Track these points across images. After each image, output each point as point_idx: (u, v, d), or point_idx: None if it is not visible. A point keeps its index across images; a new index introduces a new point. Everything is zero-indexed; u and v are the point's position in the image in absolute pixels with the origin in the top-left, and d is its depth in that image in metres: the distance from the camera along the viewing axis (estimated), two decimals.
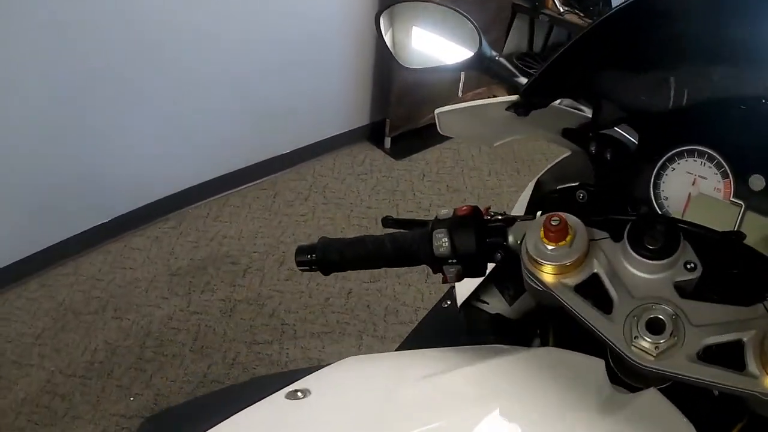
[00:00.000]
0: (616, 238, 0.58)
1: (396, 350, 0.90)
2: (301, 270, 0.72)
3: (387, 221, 0.80)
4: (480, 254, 0.65)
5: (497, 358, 0.59)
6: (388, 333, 2.21)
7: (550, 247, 0.57)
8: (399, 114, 3.14)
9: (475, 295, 0.85)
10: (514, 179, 3.12)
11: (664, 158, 0.75)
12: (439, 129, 0.78)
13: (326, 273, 0.73)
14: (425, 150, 3.22)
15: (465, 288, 0.85)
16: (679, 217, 0.74)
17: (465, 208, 0.68)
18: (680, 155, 0.75)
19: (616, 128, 0.81)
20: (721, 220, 0.71)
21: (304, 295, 2.33)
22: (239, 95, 2.65)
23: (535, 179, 0.91)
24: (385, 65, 3.05)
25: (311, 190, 2.88)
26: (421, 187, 2.97)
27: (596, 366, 0.56)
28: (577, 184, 0.80)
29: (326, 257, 0.71)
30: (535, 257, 0.57)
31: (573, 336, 0.61)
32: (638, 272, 0.56)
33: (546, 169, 0.93)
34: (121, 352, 2.08)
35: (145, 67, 2.29)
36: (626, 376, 0.59)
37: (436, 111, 0.76)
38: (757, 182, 0.69)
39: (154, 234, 2.57)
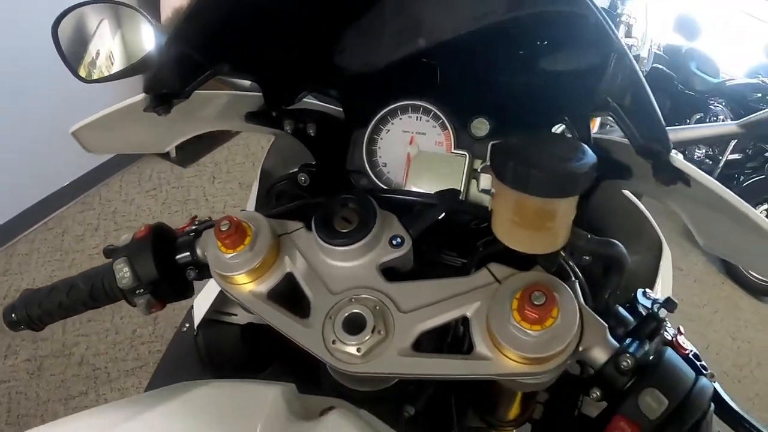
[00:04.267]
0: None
1: (145, 389, 0.78)
2: (14, 332, 0.66)
3: (107, 251, 0.70)
4: (167, 277, 0.59)
5: (162, 404, 0.48)
6: None
7: (228, 256, 0.51)
8: None
9: (219, 307, 0.76)
10: None
11: (374, 121, 0.67)
12: (84, 149, 0.65)
13: (37, 329, 0.66)
14: (213, 152, 3.33)
15: (206, 303, 0.77)
16: (402, 183, 0.67)
17: (143, 229, 0.61)
18: (393, 114, 0.67)
19: (315, 100, 0.73)
20: (447, 176, 0.64)
21: (110, 333, 2.49)
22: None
23: (260, 169, 0.83)
24: None
25: (100, 218, 2.92)
26: (213, 191, 3.12)
27: (272, 394, 0.47)
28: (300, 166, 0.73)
29: (29, 314, 0.64)
30: (217, 270, 0.52)
31: None
32: (336, 262, 0.51)
33: (265, 154, 0.83)
34: None
35: None
36: (349, 382, 0.53)
37: (71, 130, 0.63)
38: (479, 126, 0.63)
39: None
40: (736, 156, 3.52)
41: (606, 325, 0.49)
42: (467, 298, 0.47)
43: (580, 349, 0.47)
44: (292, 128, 0.68)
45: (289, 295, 0.52)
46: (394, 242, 0.51)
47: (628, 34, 3.17)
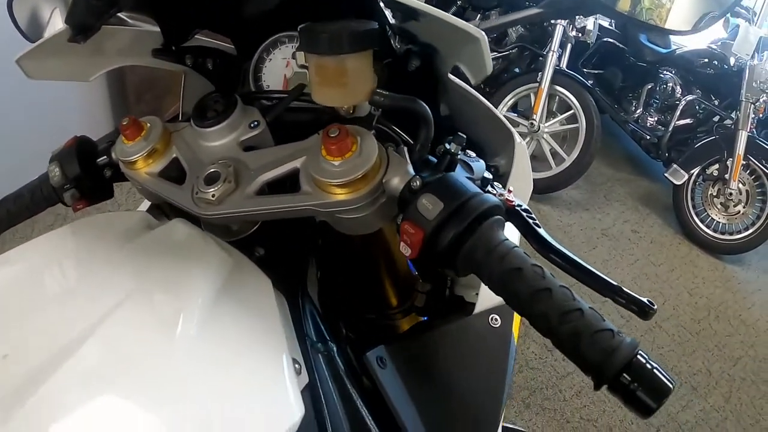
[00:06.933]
0: None
1: None
2: None
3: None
4: (90, 174, 0.70)
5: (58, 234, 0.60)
6: None
7: (128, 145, 0.64)
8: (142, 112, 3.22)
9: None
10: None
11: (257, 53, 0.78)
12: (28, 76, 0.73)
13: None
14: None
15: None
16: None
17: (71, 138, 0.73)
18: (273, 45, 0.78)
19: (205, 37, 0.82)
20: None
21: None
22: None
23: (180, 112, 0.92)
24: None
25: (69, 210, 2.97)
26: None
27: (130, 219, 0.62)
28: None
29: None
30: (121, 158, 0.65)
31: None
32: (208, 143, 0.63)
33: (181, 98, 0.91)
34: None
35: None
36: (218, 234, 0.64)
37: (15, 59, 0.71)
38: None
39: None
40: (687, 121, 3.62)
41: (407, 161, 0.57)
42: (299, 154, 0.58)
43: (384, 180, 0.55)
44: (192, 62, 0.78)
45: (177, 176, 0.64)
46: (251, 125, 0.63)
47: None
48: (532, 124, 3.35)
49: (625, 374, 0.42)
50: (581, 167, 3.28)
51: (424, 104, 0.60)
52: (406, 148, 0.63)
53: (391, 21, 0.62)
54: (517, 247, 0.50)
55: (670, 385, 0.43)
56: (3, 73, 2.53)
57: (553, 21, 3.31)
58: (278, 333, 0.51)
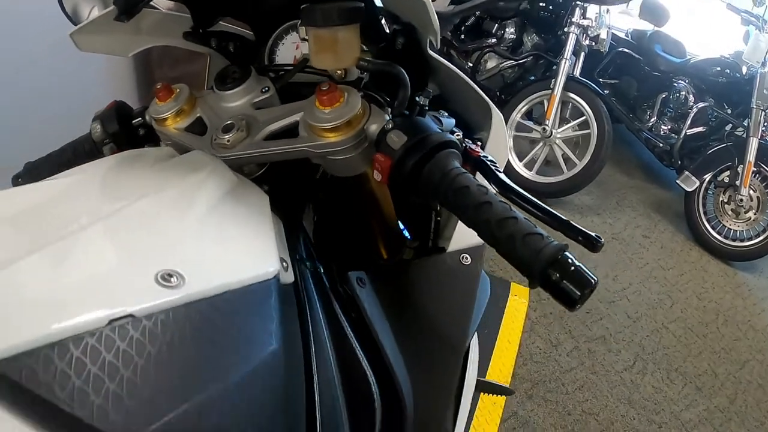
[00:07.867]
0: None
1: None
2: None
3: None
4: (126, 132, 0.81)
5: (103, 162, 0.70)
6: None
7: (160, 105, 0.75)
8: None
9: None
10: None
11: (272, 38, 0.89)
12: (78, 48, 0.81)
13: None
14: None
15: None
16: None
17: (112, 102, 0.84)
18: (286, 31, 0.88)
19: (228, 24, 0.93)
20: None
21: None
22: None
23: (204, 88, 1.00)
24: (140, 66, 3.27)
25: None
26: None
27: (160, 151, 0.73)
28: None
29: (31, 179, 0.86)
30: (153, 115, 0.75)
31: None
32: (227, 104, 0.74)
33: (206, 78, 1.02)
34: None
35: None
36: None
37: (69, 33, 0.79)
38: None
39: None
40: (700, 129, 3.66)
41: (386, 113, 0.67)
42: (299, 109, 0.68)
43: (366, 127, 0.66)
44: (216, 44, 0.90)
45: (200, 132, 0.74)
46: (263, 90, 0.75)
47: (583, 16, 3.38)
48: (544, 129, 3.42)
49: (551, 270, 0.50)
50: (592, 172, 3.33)
51: (401, 68, 0.70)
52: (389, 109, 0.75)
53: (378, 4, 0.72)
54: (466, 172, 0.60)
55: (592, 280, 0.50)
56: (45, 81, 2.74)
57: (566, 29, 3.40)
58: (270, 232, 0.60)
